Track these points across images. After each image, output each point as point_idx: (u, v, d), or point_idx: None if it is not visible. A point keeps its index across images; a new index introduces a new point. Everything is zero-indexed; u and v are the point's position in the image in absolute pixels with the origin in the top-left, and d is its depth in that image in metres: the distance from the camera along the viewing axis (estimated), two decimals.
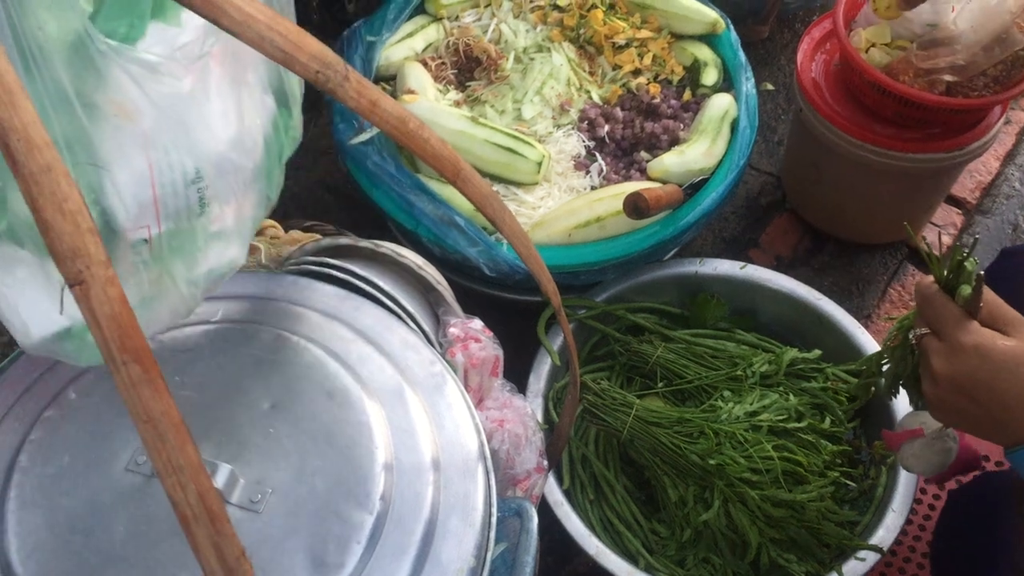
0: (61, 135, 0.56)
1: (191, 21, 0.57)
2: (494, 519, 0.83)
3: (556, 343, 1.31)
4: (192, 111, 0.62)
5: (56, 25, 0.51)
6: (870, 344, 1.31)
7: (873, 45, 1.42)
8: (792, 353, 1.28)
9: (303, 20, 0.60)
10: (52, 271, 0.58)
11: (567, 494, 1.20)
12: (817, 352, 1.30)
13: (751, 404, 1.19)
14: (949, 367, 0.85)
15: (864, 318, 1.58)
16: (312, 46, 0.47)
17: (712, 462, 1.12)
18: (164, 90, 0.59)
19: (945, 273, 0.87)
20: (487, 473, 0.85)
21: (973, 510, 1.10)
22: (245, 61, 0.66)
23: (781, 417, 1.18)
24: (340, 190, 1.68)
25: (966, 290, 0.85)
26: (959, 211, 1.74)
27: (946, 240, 1.69)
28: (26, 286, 0.63)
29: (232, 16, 0.44)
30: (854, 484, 1.23)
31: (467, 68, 1.49)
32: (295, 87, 0.80)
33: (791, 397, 1.22)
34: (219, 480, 0.76)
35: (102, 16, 0.56)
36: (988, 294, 0.85)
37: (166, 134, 0.61)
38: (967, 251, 0.86)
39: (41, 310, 0.64)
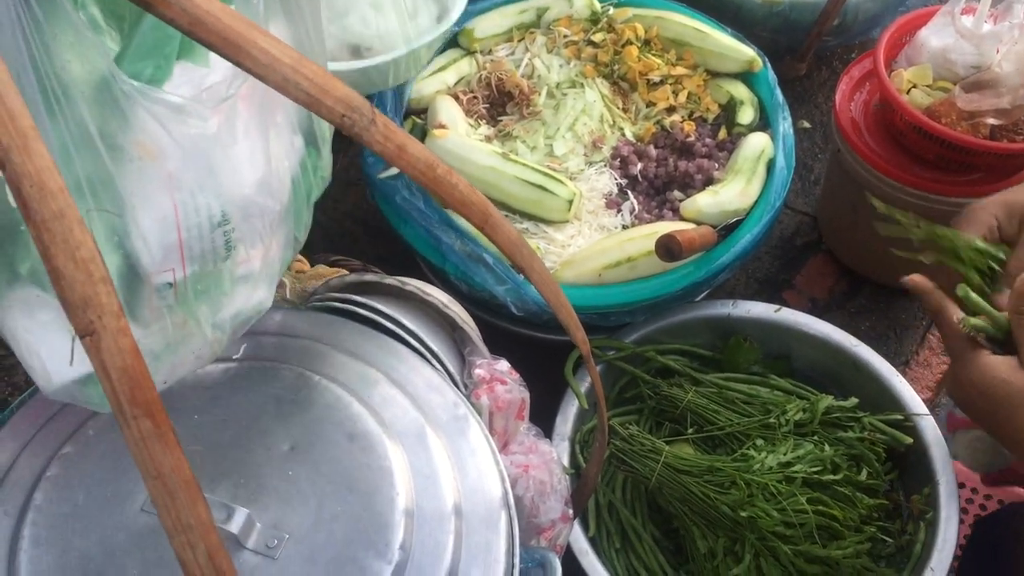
0: (84, 177, 0.55)
1: (219, 61, 0.57)
2: (517, 571, 0.81)
3: (584, 385, 1.28)
4: (218, 153, 0.61)
5: (81, 66, 0.50)
6: (908, 392, 1.27)
7: (915, 86, 1.40)
8: (828, 401, 1.25)
9: None
10: None
11: (592, 542, 1.17)
12: (854, 400, 1.26)
13: (785, 454, 1.16)
14: (954, 392, 0.83)
15: (902, 364, 1.53)
16: (338, 89, 0.45)
17: (744, 514, 1.08)
18: (190, 131, 0.58)
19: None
20: (511, 522, 0.83)
21: (1000, 536, 1.06)
22: (274, 102, 0.65)
23: (816, 468, 1.14)
24: (369, 222, 1.67)
25: (971, 320, 0.81)
26: None
27: None
28: (48, 330, 0.62)
29: (256, 58, 0.42)
30: (891, 540, 1.19)
31: (499, 103, 1.48)
32: (325, 128, 0.79)
33: (826, 447, 1.18)
34: (235, 524, 0.74)
35: (128, 57, 0.56)
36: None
37: (192, 176, 0.60)
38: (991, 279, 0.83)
39: (62, 355, 0.63)
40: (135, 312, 0.65)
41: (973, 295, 0.83)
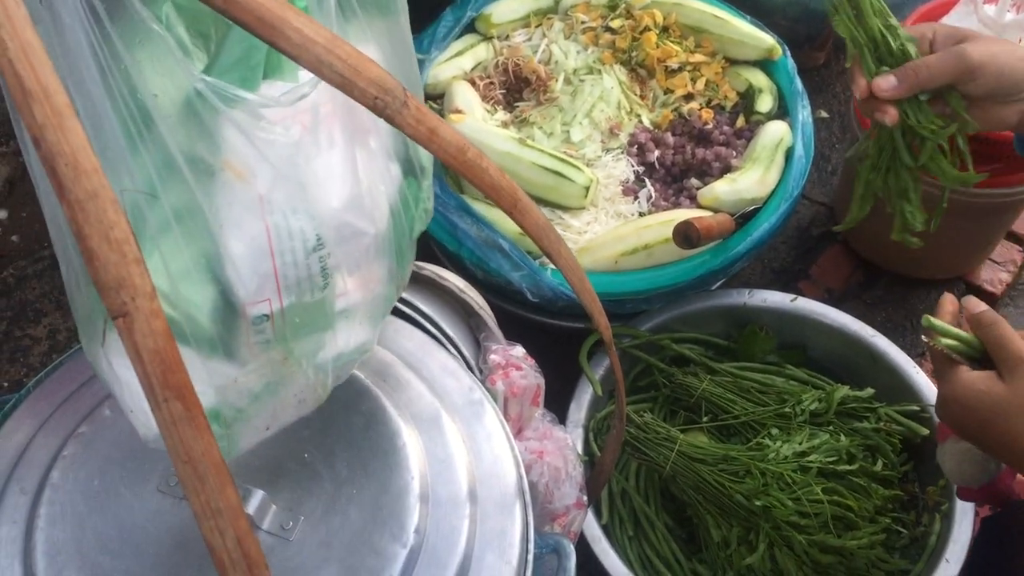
0: (170, 205, 0.52)
1: (306, 75, 0.54)
2: (531, 556, 0.81)
3: (598, 371, 1.28)
4: (305, 166, 0.57)
5: (166, 87, 0.48)
6: (925, 383, 1.26)
7: None
8: (843, 391, 1.24)
9: None
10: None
11: (605, 529, 1.16)
12: (870, 391, 1.26)
13: (800, 443, 1.15)
14: (939, 410, 0.86)
15: (918, 356, 1.52)
16: (371, 71, 0.45)
17: (758, 503, 1.08)
18: (274, 139, 0.55)
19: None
20: (525, 508, 0.82)
21: (1007, 538, 1.06)
22: (365, 126, 0.62)
23: (831, 459, 1.14)
24: None
25: (941, 341, 0.84)
26: (1020, 248, 1.69)
27: (1005, 277, 1.63)
28: None
29: (290, 38, 0.42)
30: (906, 531, 1.19)
31: (516, 88, 1.47)
32: (423, 156, 0.73)
33: (842, 438, 1.18)
34: (251, 506, 0.74)
35: (215, 71, 0.53)
36: (997, 330, 0.83)
37: (282, 195, 0.56)
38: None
39: None
40: (231, 349, 0.61)
41: (936, 321, 0.86)
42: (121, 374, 0.58)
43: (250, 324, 0.60)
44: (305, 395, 0.71)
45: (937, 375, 0.87)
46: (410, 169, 0.70)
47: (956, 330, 0.86)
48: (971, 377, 0.83)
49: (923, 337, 0.88)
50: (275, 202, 0.56)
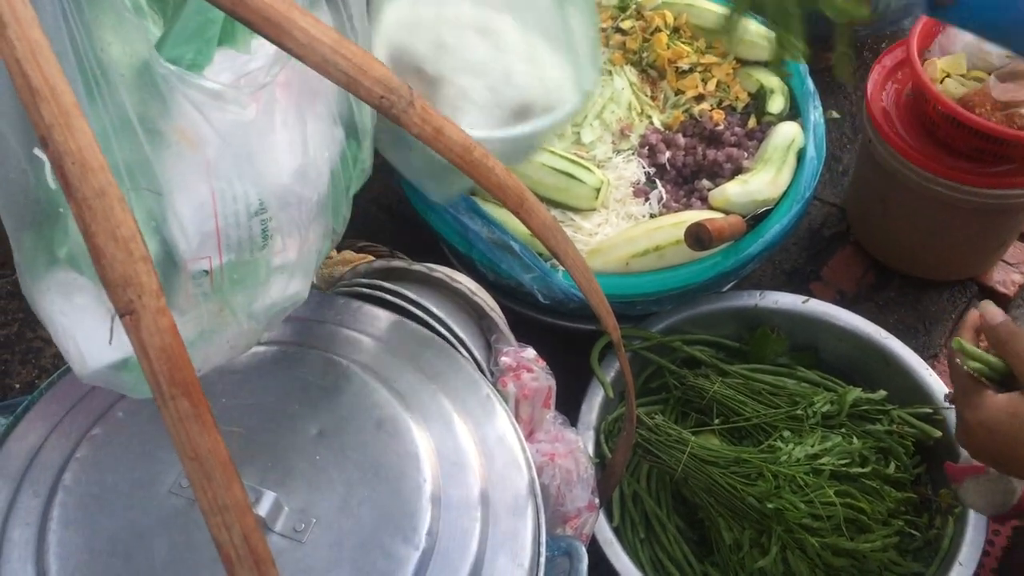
0: (122, 162, 0.54)
1: (261, 48, 0.56)
2: (543, 559, 0.80)
3: (609, 373, 1.28)
4: (256, 140, 0.60)
5: (121, 48, 0.50)
6: (938, 385, 1.25)
7: (948, 75, 1.37)
8: (856, 393, 1.23)
9: None
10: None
11: (616, 531, 1.16)
12: (882, 393, 1.25)
13: (812, 446, 1.14)
14: (963, 437, 0.86)
15: (931, 358, 1.51)
16: (377, 70, 0.45)
17: (770, 506, 1.07)
18: (228, 118, 0.58)
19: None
20: (537, 510, 0.82)
21: None
22: (314, 91, 0.64)
23: (844, 461, 1.13)
24: (394, 209, 1.67)
25: (971, 363, 0.85)
26: None
27: (1018, 279, 1.62)
28: (84, 314, 0.62)
29: (297, 38, 0.42)
30: (919, 534, 1.17)
31: None
32: (366, 119, 0.77)
33: (854, 440, 1.17)
34: (263, 508, 0.74)
35: (169, 42, 0.55)
36: (1016, 345, 0.83)
37: (230, 163, 0.60)
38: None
39: (98, 339, 0.62)
40: (171, 299, 0.64)
41: (968, 345, 0.86)
42: (53, 313, 0.61)
43: (190, 278, 0.63)
44: (237, 341, 0.74)
45: (960, 401, 0.87)
46: (353, 132, 0.73)
47: (984, 354, 0.86)
48: (997, 400, 0.83)
49: (954, 359, 0.87)
50: (221, 168, 0.59)
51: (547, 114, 0.98)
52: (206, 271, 0.65)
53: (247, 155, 0.60)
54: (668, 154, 1.39)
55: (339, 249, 1.21)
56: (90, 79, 0.50)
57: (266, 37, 0.42)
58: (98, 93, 0.50)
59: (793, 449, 1.14)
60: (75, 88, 0.49)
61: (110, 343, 0.56)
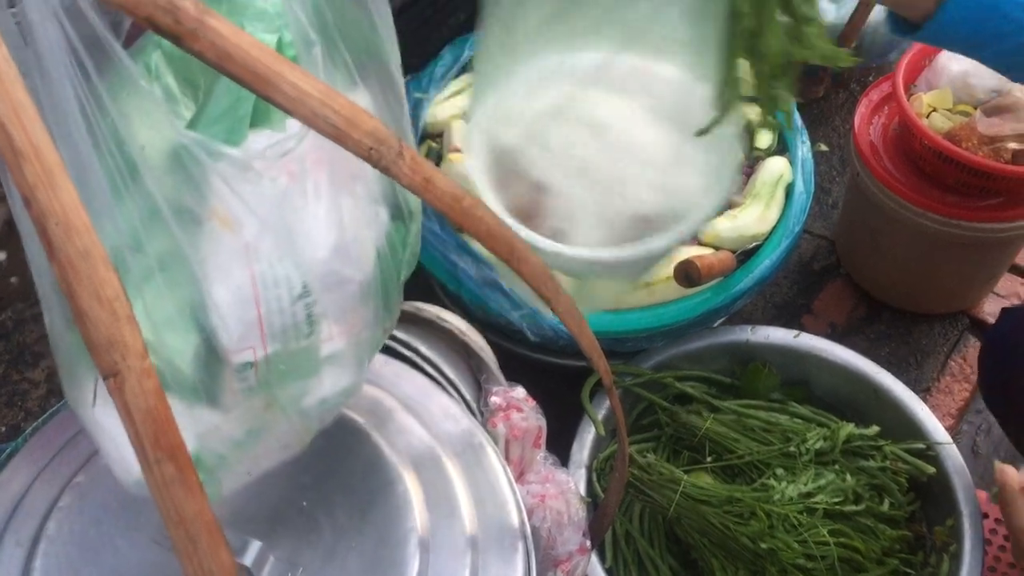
0: (155, 253, 0.52)
1: (294, 126, 0.54)
2: None
3: (600, 411, 1.27)
4: (291, 215, 0.57)
5: (152, 138, 0.48)
6: (930, 421, 1.25)
7: (934, 110, 1.38)
8: (848, 429, 1.23)
9: None
10: None
11: (609, 573, 1.15)
12: (875, 428, 1.25)
13: (805, 484, 1.14)
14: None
15: (923, 391, 1.51)
16: (366, 123, 0.45)
17: (764, 546, 1.06)
18: (261, 191, 0.55)
19: None
20: (528, 555, 0.81)
21: None
22: (353, 174, 0.62)
23: (838, 499, 1.12)
24: None
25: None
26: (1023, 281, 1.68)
27: None
28: None
29: (285, 92, 0.42)
30: (913, 572, 1.17)
31: None
32: (412, 201, 0.72)
33: (848, 477, 1.16)
34: (248, 558, 0.72)
35: (202, 121, 0.53)
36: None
37: (268, 243, 0.56)
38: None
39: None
40: (214, 395, 0.60)
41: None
42: (102, 420, 0.58)
43: (234, 371, 0.60)
44: (289, 440, 0.70)
45: (1013, 517, 0.92)
46: (398, 213, 0.70)
47: None
48: None
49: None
50: (261, 251, 0.56)
51: (675, 224, 0.85)
52: (250, 363, 0.60)
53: (285, 232, 0.57)
54: None
55: None
56: (116, 177, 0.48)
57: (254, 92, 0.41)
58: (124, 189, 0.49)
59: (786, 487, 1.13)
60: (98, 182, 0.48)
61: (92, 406, 0.55)
